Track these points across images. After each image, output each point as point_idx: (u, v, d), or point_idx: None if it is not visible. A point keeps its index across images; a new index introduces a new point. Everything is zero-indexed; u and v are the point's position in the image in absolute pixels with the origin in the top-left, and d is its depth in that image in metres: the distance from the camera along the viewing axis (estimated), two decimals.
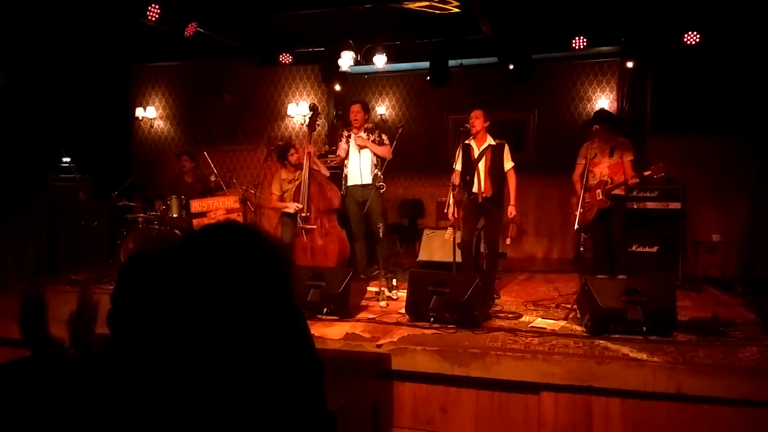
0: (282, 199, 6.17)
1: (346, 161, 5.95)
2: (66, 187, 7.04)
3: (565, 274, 6.61)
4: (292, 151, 6.17)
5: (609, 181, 5.25)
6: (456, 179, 5.37)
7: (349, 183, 5.91)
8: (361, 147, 5.82)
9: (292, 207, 5.97)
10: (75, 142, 7.25)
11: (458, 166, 5.43)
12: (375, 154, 5.81)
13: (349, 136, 5.94)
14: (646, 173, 5.03)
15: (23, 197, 6.82)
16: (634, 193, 5.97)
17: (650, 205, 6.04)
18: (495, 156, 5.32)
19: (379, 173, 5.80)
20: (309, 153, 5.93)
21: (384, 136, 5.85)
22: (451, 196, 5.22)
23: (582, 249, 4.92)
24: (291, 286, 1.53)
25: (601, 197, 5.25)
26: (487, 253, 5.43)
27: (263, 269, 1.48)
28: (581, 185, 5.12)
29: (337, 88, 7.29)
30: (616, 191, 5.27)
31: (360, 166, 5.84)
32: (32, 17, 6.21)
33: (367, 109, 6.03)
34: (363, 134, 5.84)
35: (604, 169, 5.32)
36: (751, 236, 6.25)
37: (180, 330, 1.47)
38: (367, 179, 5.82)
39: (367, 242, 6.06)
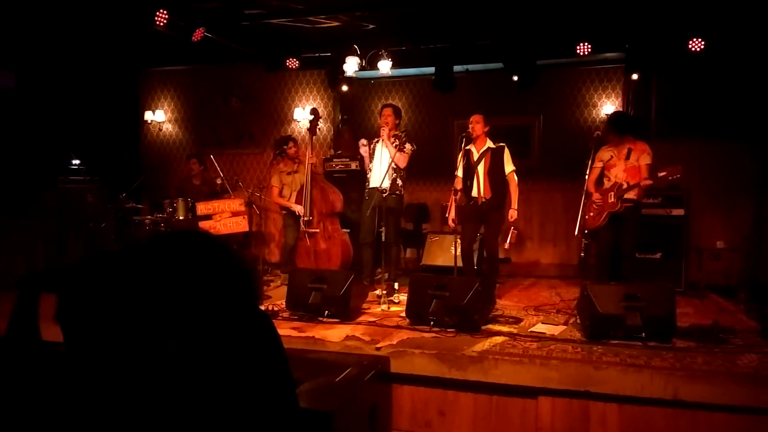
0: (282, 193, 6.23)
1: (370, 165, 5.87)
2: (75, 188, 7.13)
3: (568, 279, 6.62)
4: (291, 144, 6.26)
5: (624, 185, 5.08)
6: (458, 185, 5.38)
7: (370, 185, 5.82)
8: (384, 143, 5.72)
9: (296, 208, 6.01)
10: (84, 145, 7.36)
11: (460, 172, 5.45)
12: (391, 158, 5.69)
13: (377, 141, 5.85)
14: (661, 174, 4.83)
15: (33, 198, 6.93)
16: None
17: (653, 211, 6.02)
18: (494, 159, 5.34)
19: (399, 181, 5.72)
20: (311, 163, 5.97)
21: (407, 146, 5.69)
22: (453, 201, 5.25)
23: (583, 255, 4.91)
24: (250, 291, 1.55)
25: (612, 200, 5.08)
26: (488, 258, 5.44)
27: (212, 276, 1.50)
28: (594, 189, 5.10)
29: (345, 88, 7.34)
30: (630, 195, 5.09)
31: (381, 170, 5.72)
32: (43, 21, 6.32)
33: (398, 114, 5.95)
34: (385, 131, 5.71)
35: (619, 172, 5.16)
36: (756, 243, 6.23)
37: (128, 335, 1.49)
38: (386, 183, 5.65)
39: (376, 249, 5.93)
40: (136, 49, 7.62)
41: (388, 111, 5.83)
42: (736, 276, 6.20)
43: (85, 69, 7.59)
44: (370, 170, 5.85)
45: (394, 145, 5.67)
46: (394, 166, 5.67)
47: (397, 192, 5.72)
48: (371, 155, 5.85)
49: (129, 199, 6.77)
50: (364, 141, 6.01)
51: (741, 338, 4.12)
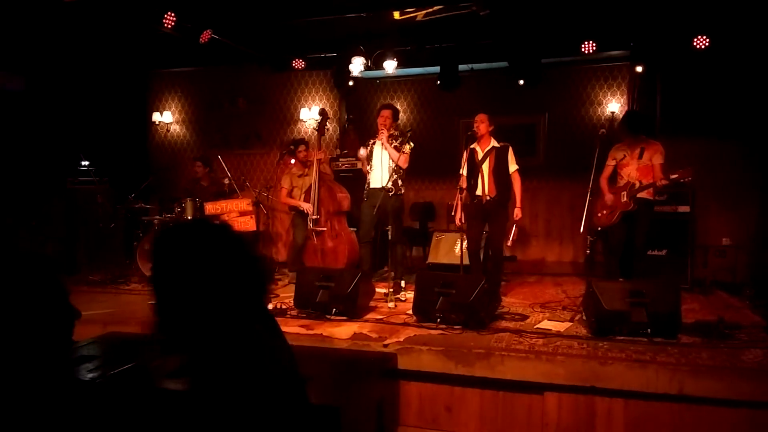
0: (291, 194, 6.31)
1: (370, 164, 5.86)
2: (84, 189, 7.22)
3: (575, 277, 6.64)
4: (302, 147, 6.37)
5: (637, 184, 5.13)
6: (463, 184, 5.42)
7: (371, 186, 5.83)
8: (384, 147, 5.71)
9: (305, 206, 6.06)
10: (93, 146, 7.44)
11: (464, 170, 5.48)
12: (391, 159, 5.72)
13: (373, 143, 5.85)
14: (673, 176, 4.88)
15: (42, 200, 7.01)
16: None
17: (659, 208, 6.02)
18: (499, 158, 5.37)
19: (399, 181, 5.72)
20: (318, 160, 6.01)
21: (406, 146, 5.68)
22: (458, 199, 5.29)
23: (589, 252, 4.93)
24: (263, 283, 1.56)
25: (625, 199, 5.14)
26: (492, 256, 5.47)
27: (235, 266, 1.50)
28: (606, 188, 5.14)
29: (350, 84, 7.38)
30: (643, 195, 5.13)
31: (382, 171, 5.74)
32: (51, 24, 6.39)
33: (397, 116, 5.95)
34: (384, 135, 5.69)
35: (632, 171, 5.21)
36: (761, 240, 6.23)
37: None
38: (384, 183, 5.67)
39: (374, 247, 6.00)
40: (144, 51, 7.69)
41: (387, 113, 5.80)
42: (742, 272, 6.20)
43: (94, 71, 7.66)
44: (370, 170, 5.86)
45: (393, 146, 5.69)
46: (395, 167, 5.68)
47: (400, 192, 5.77)
48: (369, 156, 5.86)
49: (138, 199, 6.85)
50: (361, 152, 6.01)
51: (746, 334, 4.13)
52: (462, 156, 5.55)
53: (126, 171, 7.95)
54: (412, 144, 5.77)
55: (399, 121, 7.49)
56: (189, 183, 7.13)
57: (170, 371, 2.85)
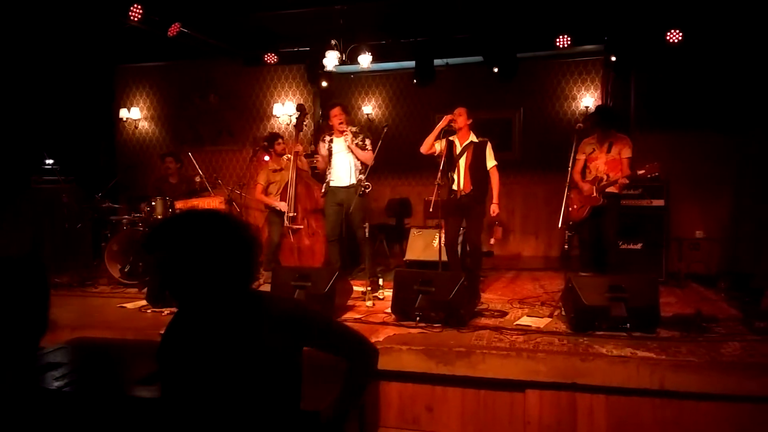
0: (267, 191, 6.17)
1: (329, 164, 5.76)
2: (49, 189, 6.97)
3: (551, 271, 6.65)
4: (280, 140, 6.25)
5: (604, 178, 5.19)
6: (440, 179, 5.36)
7: (332, 184, 5.72)
8: (350, 149, 5.63)
9: (280, 206, 5.95)
10: (58, 144, 7.19)
11: (426, 147, 5.38)
12: (357, 159, 5.66)
13: (331, 140, 5.75)
14: (640, 172, 4.94)
15: (5, 200, 6.75)
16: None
17: (634, 202, 6.07)
18: (476, 153, 5.33)
19: (363, 177, 5.67)
20: (296, 152, 5.90)
21: (367, 141, 5.64)
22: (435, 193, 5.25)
23: (566, 247, 4.93)
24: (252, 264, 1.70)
25: (594, 194, 5.21)
26: (471, 252, 5.42)
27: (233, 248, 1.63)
28: (581, 180, 5.17)
29: (324, 84, 7.29)
30: (611, 189, 5.20)
31: (344, 169, 5.67)
32: (14, 18, 6.15)
33: (347, 111, 5.86)
34: (348, 136, 5.63)
35: (600, 165, 5.27)
36: (734, 232, 6.32)
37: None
38: (351, 181, 5.64)
39: (341, 244, 5.84)
40: (111, 45, 7.46)
41: (338, 110, 5.66)
42: (716, 265, 6.28)
43: (58, 66, 7.40)
44: (330, 169, 5.72)
45: (356, 144, 5.59)
46: (359, 165, 5.62)
47: (367, 190, 5.65)
48: (329, 154, 5.73)
49: (105, 199, 6.61)
50: (322, 151, 5.83)
51: (723, 326, 4.15)
52: (430, 134, 5.39)
53: (93, 169, 7.71)
54: (371, 137, 5.72)
55: (369, 117, 7.42)
56: (158, 181, 6.92)
57: (140, 378, 2.73)
